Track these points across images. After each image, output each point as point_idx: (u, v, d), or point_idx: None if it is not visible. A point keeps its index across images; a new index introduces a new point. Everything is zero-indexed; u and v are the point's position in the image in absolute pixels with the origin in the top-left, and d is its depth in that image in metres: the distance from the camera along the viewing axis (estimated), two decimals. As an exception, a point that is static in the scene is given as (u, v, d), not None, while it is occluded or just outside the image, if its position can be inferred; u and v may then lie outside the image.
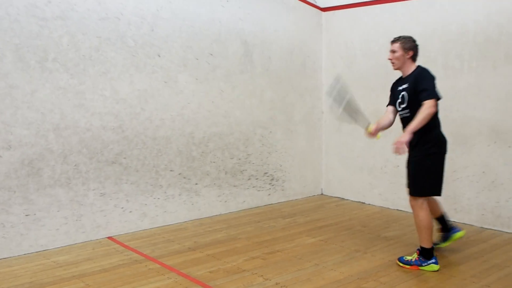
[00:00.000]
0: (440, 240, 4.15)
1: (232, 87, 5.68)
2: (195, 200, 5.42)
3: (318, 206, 6.11)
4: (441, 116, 3.82)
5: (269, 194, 6.21)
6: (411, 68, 3.81)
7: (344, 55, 6.41)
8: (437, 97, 3.59)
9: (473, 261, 3.95)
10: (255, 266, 3.88)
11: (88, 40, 4.46)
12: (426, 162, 3.70)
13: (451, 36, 5.13)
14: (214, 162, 5.56)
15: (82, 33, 4.42)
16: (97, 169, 4.59)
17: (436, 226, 3.98)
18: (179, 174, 5.25)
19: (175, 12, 5.10)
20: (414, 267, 3.77)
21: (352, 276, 3.65)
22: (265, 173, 6.14)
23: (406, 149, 3.60)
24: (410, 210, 3.90)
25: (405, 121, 3.79)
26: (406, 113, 3.78)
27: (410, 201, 3.80)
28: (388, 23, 5.78)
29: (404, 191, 4.14)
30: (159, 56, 4.98)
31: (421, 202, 3.71)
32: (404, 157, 3.92)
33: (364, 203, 6.25)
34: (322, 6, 6.59)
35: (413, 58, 3.82)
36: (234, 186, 5.80)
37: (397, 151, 3.57)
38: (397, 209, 5.79)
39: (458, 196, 5.16)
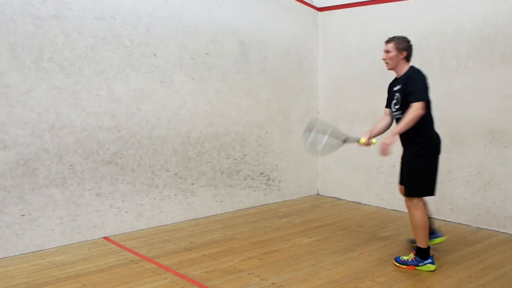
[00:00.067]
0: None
1: (228, 87, 5.67)
2: (191, 200, 5.41)
3: (314, 206, 6.11)
4: (437, 116, 3.83)
5: (265, 194, 6.21)
6: (404, 68, 3.81)
7: (341, 55, 6.41)
8: (425, 99, 3.59)
9: (469, 261, 3.96)
10: (251, 266, 3.88)
11: (83, 39, 4.44)
12: (419, 163, 3.71)
13: (447, 36, 5.14)
14: (210, 162, 5.54)
15: (78, 32, 4.40)
16: (93, 169, 4.57)
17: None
18: (175, 174, 5.23)
19: (171, 12, 5.08)
20: (410, 267, 3.77)
21: (349, 276, 3.66)
22: (261, 173, 6.13)
23: (392, 151, 3.61)
24: (406, 210, 3.90)
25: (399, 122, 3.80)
26: (399, 114, 3.79)
27: (406, 201, 3.81)
28: (384, 23, 5.78)
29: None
30: (155, 55, 4.97)
31: (417, 202, 3.73)
32: (399, 158, 3.93)
33: (360, 203, 6.25)
34: (318, 6, 6.60)
35: (407, 58, 3.81)
36: (230, 186, 5.79)
37: (383, 152, 3.60)
38: (393, 209, 5.80)
39: (454, 196, 5.18)
